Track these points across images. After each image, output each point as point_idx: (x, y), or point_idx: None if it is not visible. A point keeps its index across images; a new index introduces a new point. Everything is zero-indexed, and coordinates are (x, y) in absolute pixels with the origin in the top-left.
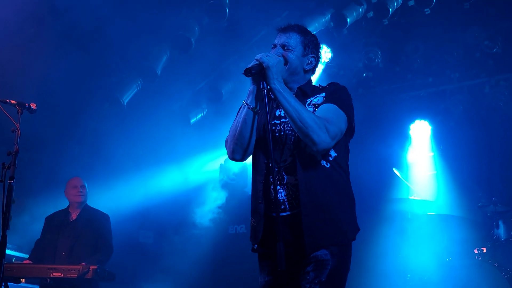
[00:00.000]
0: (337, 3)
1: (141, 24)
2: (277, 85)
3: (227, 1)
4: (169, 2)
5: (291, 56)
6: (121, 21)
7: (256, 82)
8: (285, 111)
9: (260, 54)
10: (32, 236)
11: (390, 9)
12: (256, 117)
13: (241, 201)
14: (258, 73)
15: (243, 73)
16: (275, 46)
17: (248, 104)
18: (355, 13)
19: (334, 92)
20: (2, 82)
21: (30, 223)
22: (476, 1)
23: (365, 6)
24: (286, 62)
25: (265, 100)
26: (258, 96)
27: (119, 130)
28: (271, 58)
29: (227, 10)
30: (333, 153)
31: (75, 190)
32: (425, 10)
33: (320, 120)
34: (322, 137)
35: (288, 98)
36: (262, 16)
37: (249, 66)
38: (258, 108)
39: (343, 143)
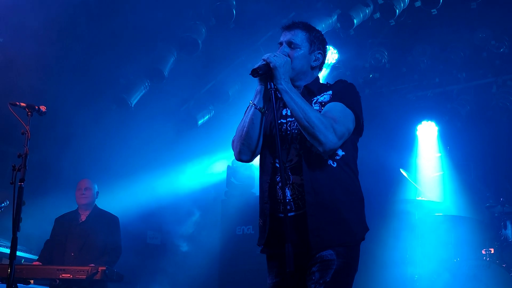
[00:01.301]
0: (344, 4)
1: (149, 26)
2: (284, 85)
3: (234, 3)
4: (176, 4)
5: (298, 53)
6: (128, 23)
7: (263, 82)
8: (292, 111)
9: (268, 54)
10: (41, 237)
11: (397, 10)
12: (264, 117)
13: (248, 202)
14: (265, 74)
15: (250, 74)
16: (281, 44)
17: (255, 104)
18: (361, 14)
19: (341, 89)
20: (7, 83)
21: (38, 224)
22: (483, 1)
23: (371, 7)
24: (292, 60)
25: (272, 100)
26: (266, 96)
27: (127, 131)
28: (278, 58)
29: (234, 12)
30: (340, 152)
31: (79, 192)
32: (432, 10)
33: (327, 119)
34: (329, 137)
35: (295, 98)
36: (269, 17)
37: (256, 66)
38: (265, 109)
39: (351, 142)
